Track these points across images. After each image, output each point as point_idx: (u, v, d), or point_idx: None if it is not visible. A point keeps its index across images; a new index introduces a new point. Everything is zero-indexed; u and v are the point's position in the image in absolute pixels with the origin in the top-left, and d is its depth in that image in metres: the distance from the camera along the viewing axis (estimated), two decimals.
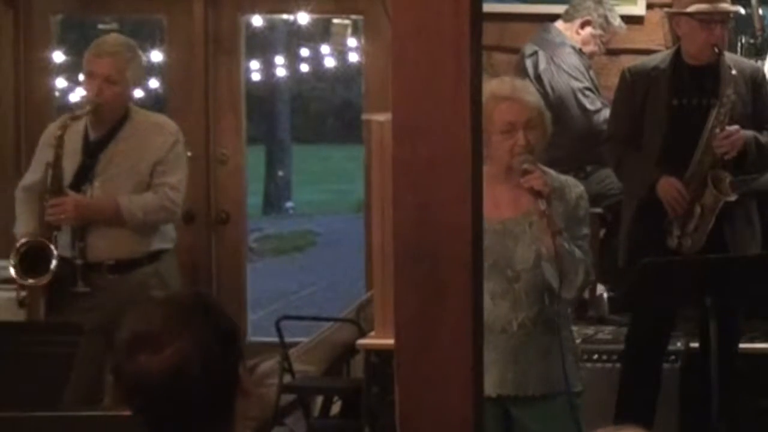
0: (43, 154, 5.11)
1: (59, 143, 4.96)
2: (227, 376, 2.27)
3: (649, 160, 5.12)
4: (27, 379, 3.68)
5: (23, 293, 4.97)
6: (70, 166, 5.05)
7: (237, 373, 2.29)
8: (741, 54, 6.23)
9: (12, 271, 4.95)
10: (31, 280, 4.94)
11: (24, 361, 3.74)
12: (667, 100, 5.11)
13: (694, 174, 5.05)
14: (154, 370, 2.20)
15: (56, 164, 4.97)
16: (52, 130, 5.14)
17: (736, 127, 5.03)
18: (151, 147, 5.13)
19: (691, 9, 5.06)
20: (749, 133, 5.08)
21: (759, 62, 6.19)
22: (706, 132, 5.02)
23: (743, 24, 6.38)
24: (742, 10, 5.26)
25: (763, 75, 5.40)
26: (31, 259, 4.95)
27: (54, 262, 4.93)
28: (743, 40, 6.31)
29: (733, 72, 5.01)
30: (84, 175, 5.04)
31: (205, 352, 2.23)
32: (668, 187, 5.05)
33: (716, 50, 5.06)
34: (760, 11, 6.34)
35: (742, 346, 5.23)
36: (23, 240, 4.98)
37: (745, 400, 5.22)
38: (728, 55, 5.19)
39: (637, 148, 5.18)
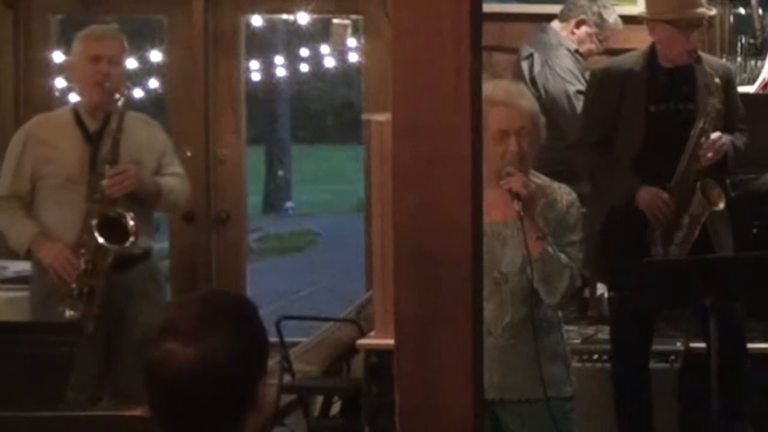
0: (25, 157, 4.99)
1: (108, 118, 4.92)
2: (245, 387, 2.25)
3: (624, 167, 5.05)
4: (27, 379, 3.68)
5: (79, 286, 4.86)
6: (73, 158, 4.97)
7: (255, 387, 2.27)
8: (741, 54, 6.23)
9: (99, 239, 4.82)
10: (114, 245, 4.84)
11: (24, 361, 3.74)
12: (644, 106, 5.05)
13: (680, 183, 4.99)
14: (176, 362, 2.18)
15: (116, 136, 4.90)
16: (32, 129, 5.07)
17: (718, 134, 4.99)
18: (151, 140, 5.14)
19: (668, 16, 5.02)
20: (728, 137, 5.06)
21: (759, 62, 6.19)
22: (691, 142, 4.98)
23: (743, 24, 6.38)
24: (713, 12, 5.21)
25: (734, 75, 5.36)
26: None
27: (132, 223, 4.85)
28: (743, 40, 6.31)
29: (717, 81, 4.97)
30: (95, 165, 4.94)
31: (230, 358, 2.20)
32: (651, 197, 4.99)
33: (695, 56, 5.02)
34: (760, 11, 6.34)
35: None
36: (100, 215, 4.86)
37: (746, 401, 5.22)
38: (704, 58, 5.14)
39: (608, 153, 5.11)
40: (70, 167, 4.95)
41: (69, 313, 4.82)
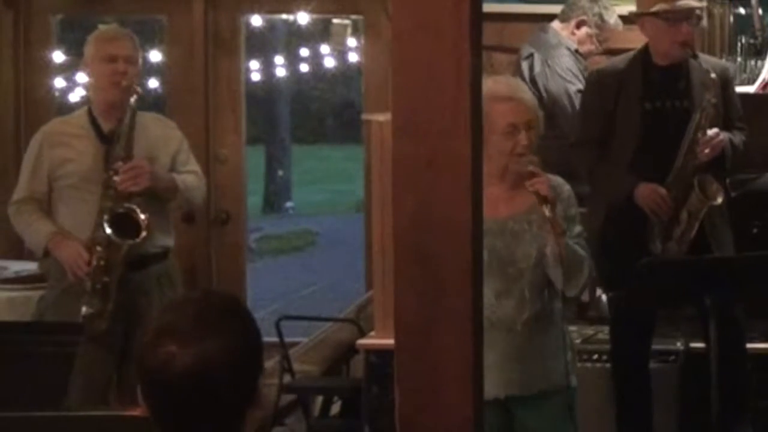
0: (41, 160, 5.02)
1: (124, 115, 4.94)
2: (245, 385, 2.26)
3: (622, 166, 5.06)
4: (27, 379, 3.68)
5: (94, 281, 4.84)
6: (88, 158, 4.99)
7: (254, 384, 2.27)
8: (741, 54, 6.22)
9: (109, 232, 4.83)
10: (126, 240, 4.85)
11: (24, 361, 3.74)
12: (639, 105, 5.05)
13: (677, 179, 5.00)
14: (177, 364, 2.18)
15: (130, 133, 4.93)
16: (48, 132, 5.10)
17: (716, 130, 4.99)
18: (165, 138, 5.16)
19: (655, 8, 5.02)
20: (725, 134, 5.06)
21: (759, 62, 6.19)
22: (687, 137, 4.97)
23: (743, 24, 6.38)
24: (702, 4, 5.22)
25: (731, 74, 5.37)
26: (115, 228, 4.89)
27: (143, 217, 4.87)
28: (743, 40, 6.30)
29: (713, 76, 4.97)
30: (109, 164, 4.95)
31: (231, 358, 2.21)
32: (650, 193, 4.99)
33: (688, 51, 5.03)
34: (760, 11, 6.33)
35: None
36: (111, 210, 4.87)
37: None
38: (700, 56, 5.15)
39: (607, 152, 5.12)
40: (85, 167, 4.98)
41: (85, 309, 4.83)
